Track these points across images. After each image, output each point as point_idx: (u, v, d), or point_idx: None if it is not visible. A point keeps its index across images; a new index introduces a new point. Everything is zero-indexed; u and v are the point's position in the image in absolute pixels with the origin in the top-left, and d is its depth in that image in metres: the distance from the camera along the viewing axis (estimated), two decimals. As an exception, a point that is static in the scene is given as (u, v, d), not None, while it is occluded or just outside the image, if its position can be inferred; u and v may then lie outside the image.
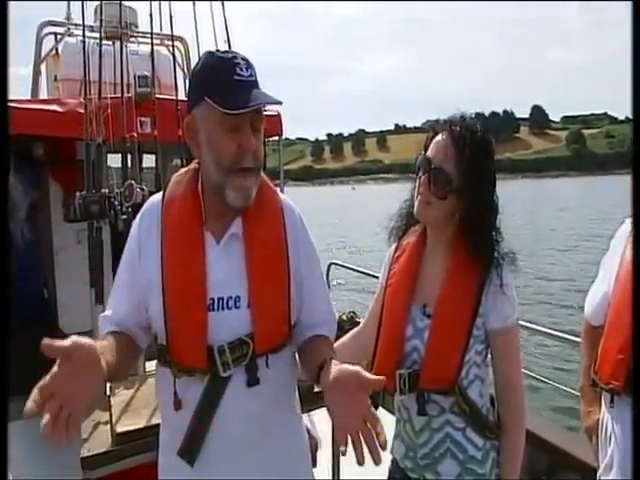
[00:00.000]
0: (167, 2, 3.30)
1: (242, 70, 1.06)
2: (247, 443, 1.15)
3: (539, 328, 2.77)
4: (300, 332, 1.25)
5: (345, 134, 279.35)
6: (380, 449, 0.90)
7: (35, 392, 0.79)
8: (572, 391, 2.16)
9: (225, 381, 1.11)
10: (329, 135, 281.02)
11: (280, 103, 1.08)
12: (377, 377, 0.95)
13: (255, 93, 1.07)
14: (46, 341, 0.79)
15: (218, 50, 1.14)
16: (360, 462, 0.90)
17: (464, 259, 1.27)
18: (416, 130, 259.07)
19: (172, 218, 1.16)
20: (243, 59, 1.08)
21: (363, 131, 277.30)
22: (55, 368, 0.82)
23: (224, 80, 1.05)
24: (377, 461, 0.89)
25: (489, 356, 1.35)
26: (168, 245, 1.13)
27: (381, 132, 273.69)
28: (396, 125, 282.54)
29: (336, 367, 1.01)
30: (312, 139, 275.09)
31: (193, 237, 1.14)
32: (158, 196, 1.23)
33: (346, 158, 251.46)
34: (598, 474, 1.49)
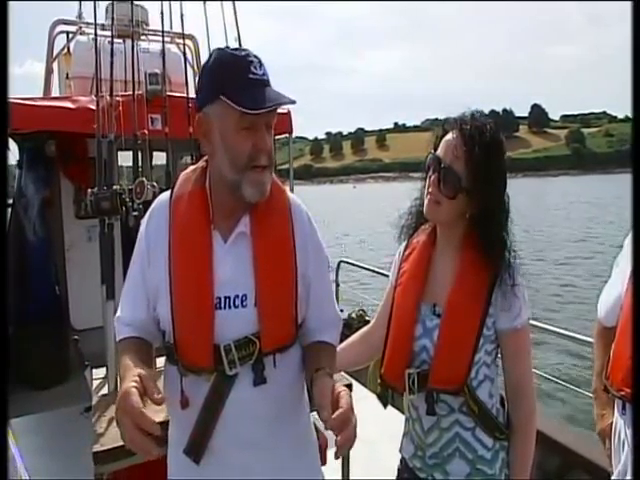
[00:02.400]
0: (178, 1, 3.31)
1: (256, 69, 1.06)
2: (254, 442, 1.15)
3: (552, 328, 2.75)
4: (305, 335, 1.25)
5: (344, 133, 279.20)
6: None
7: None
8: (587, 393, 2.14)
9: (231, 380, 1.11)
10: (328, 134, 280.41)
11: (294, 102, 1.08)
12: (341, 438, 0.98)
13: (270, 92, 1.07)
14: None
15: (228, 47, 1.12)
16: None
17: (474, 258, 1.26)
18: (415, 129, 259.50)
19: (180, 217, 1.15)
20: (255, 57, 1.07)
21: (362, 130, 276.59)
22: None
23: (239, 79, 1.04)
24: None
25: (499, 356, 1.34)
26: (176, 244, 1.13)
27: (380, 131, 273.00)
28: (395, 124, 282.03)
29: (322, 385, 1.05)
30: (311, 138, 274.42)
31: (201, 236, 1.13)
32: (166, 194, 1.22)
33: (345, 157, 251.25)
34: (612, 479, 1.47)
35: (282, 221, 1.19)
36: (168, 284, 1.11)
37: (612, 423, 1.49)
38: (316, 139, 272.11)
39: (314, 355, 1.21)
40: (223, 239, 1.14)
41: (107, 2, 3.94)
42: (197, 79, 1.16)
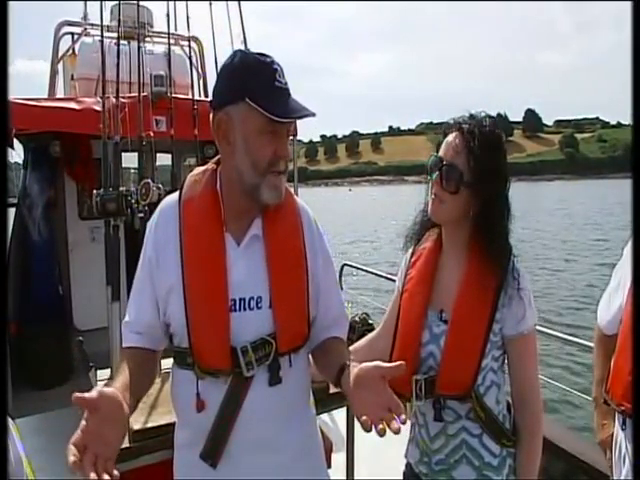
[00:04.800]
0: (183, 2, 3.32)
1: (280, 77, 1.08)
2: (266, 442, 1.16)
3: (559, 334, 2.74)
4: (314, 333, 1.26)
5: (339, 136, 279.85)
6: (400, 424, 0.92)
7: (71, 448, 0.83)
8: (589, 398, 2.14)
9: (248, 381, 1.12)
10: (323, 137, 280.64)
11: (315, 115, 1.10)
12: (396, 363, 0.99)
13: (294, 102, 1.09)
14: (76, 394, 0.85)
15: (245, 50, 1.16)
16: (381, 434, 0.91)
17: (480, 263, 1.26)
18: (410, 132, 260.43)
19: (191, 219, 1.16)
20: (279, 65, 1.09)
21: (357, 133, 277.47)
22: (84, 421, 0.86)
23: (266, 84, 1.06)
24: (396, 432, 0.91)
25: (506, 362, 1.34)
26: (188, 247, 1.13)
27: (375, 134, 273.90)
28: (390, 127, 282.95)
29: (356, 367, 1.05)
30: (306, 140, 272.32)
31: (213, 239, 1.14)
32: (174, 197, 1.22)
33: (340, 160, 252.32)
34: None
35: (293, 223, 1.22)
36: (181, 287, 1.11)
37: (613, 434, 1.48)
38: (311, 142, 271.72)
39: (332, 351, 1.23)
40: (236, 242, 1.15)
41: (112, 3, 3.95)
42: (216, 78, 1.16)
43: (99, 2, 2.89)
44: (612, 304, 1.52)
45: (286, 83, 1.09)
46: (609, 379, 1.43)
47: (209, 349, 1.11)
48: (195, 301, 1.11)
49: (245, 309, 1.13)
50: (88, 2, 4.70)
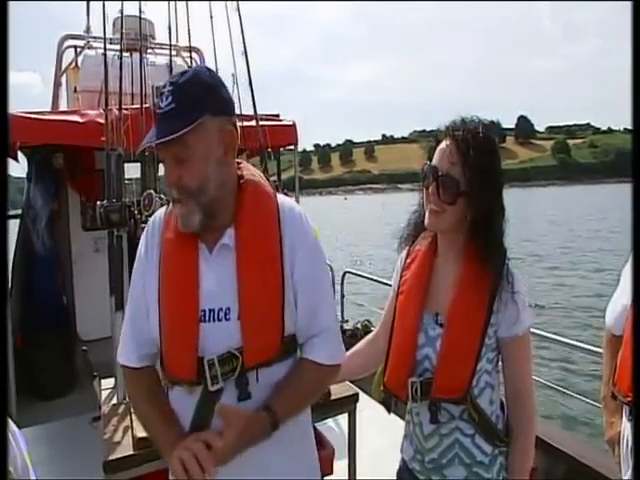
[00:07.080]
0: (184, 14, 3.36)
1: (162, 101, 1.05)
2: (243, 457, 1.08)
3: (554, 337, 2.74)
4: (300, 341, 1.19)
5: (332, 145, 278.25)
6: None
7: None
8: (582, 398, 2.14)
9: (216, 395, 1.09)
10: (316, 146, 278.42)
11: (165, 140, 1.02)
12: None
13: (165, 126, 1.03)
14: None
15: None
16: None
17: (475, 266, 1.26)
18: (403, 140, 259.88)
19: (170, 231, 1.16)
20: (172, 84, 1.05)
21: (350, 142, 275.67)
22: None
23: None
24: None
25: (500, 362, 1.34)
26: (165, 257, 1.15)
27: (369, 142, 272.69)
28: (383, 135, 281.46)
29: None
30: (299, 150, 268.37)
31: (187, 249, 1.13)
32: (164, 209, 1.24)
33: (334, 168, 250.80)
34: None
35: (268, 229, 1.15)
36: (157, 296, 1.12)
37: (620, 431, 1.50)
38: (304, 151, 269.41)
39: (282, 381, 1.15)
40: (209, 251, 1.14)
41: (115, 16, 4.00)
42: None
43: (102, 15, 2.93)
44: (619, 304, 1.55)
45: (169, 103, 1.04)
46: (616, 374, 1.46)
47: (176, 359, 1.11)
48: (166, 310, 1.11)
49: (214, 320, 1.09)
50: (90, 15, 4.75)
